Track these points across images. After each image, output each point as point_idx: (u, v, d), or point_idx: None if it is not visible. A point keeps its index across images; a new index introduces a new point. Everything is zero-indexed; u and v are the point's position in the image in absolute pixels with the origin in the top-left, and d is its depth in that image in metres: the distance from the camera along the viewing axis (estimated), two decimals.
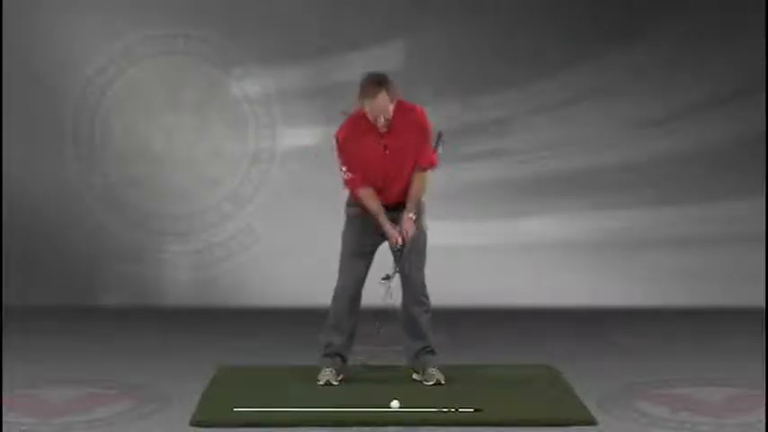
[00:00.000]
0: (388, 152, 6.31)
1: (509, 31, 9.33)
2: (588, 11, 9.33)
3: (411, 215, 6.37)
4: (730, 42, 9.31)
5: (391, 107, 6.21)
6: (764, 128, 9.25)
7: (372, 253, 6.50)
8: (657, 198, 9.36)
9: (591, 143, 9.39)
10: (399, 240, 6.35)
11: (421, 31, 9.30)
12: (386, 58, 8.88)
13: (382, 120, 6.21)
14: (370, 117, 6.23)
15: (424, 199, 6.45)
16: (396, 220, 6.40)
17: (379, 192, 6.38)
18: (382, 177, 6.36)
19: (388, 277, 6.34)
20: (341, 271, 6.49)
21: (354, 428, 5.70)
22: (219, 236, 9.36)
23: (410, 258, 6.43)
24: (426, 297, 6.50)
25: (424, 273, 6.48)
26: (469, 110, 9.30)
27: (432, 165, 6.40)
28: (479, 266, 9.21)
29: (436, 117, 9.04)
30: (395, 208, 6.42)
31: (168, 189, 9.38)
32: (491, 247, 9.32)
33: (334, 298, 6.50)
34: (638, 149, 9.35)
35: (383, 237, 6.45)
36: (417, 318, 6.48)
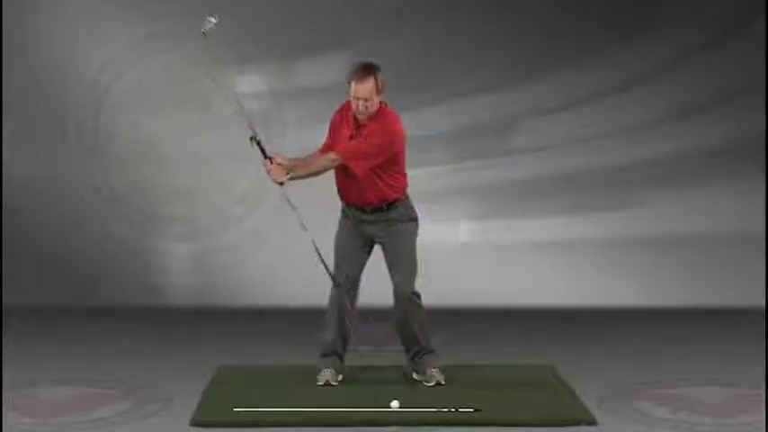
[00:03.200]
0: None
1: (510, 32, 9.33)
2: (589, 11, 9.32)
3: (285, 167, 6.29)
4: (730, 42, 9.31)
5: (376, 99, 6.26)
6: (764, 128, 9.24)
7: (366, 254, 6.51)
8: (657, 198, 9.35)
9: (591, 143, 9.38)
10: (268, 165, 6.31)
11: (424, 31, 9.30)
12: (391, 57, 8.85)
13: (362, 107, 6.26)
14: (352, 102, 6.30)
15: (416, 205, 6.45)
16: (371, 222, 6.42)
17: (344, 186, 6.41)
18: (341, 167, 6.36)
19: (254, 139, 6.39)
20: (335, 272, 6.50)
21: (354, 428, 5.71)
22: (222, 237, 9.34)
23: (397, 265, 6.42)
24: (417, 296, 6.45)
25: (414, 275, 6.44)
26: (470, 110, 9.30)
27: (341, 155, 6.27)
28: (479, 266, 9.21)
29: (437, 117, 9.11)
30: (363, 210, 6.43)
31: (172, 189, 9.35)
32: (492, 246, 9.31)
33: (330, 299, 6.51)
34: (638, 150, 9.34)
35: (374, 238, 6.48)
36: (412, 320, 6.45)
